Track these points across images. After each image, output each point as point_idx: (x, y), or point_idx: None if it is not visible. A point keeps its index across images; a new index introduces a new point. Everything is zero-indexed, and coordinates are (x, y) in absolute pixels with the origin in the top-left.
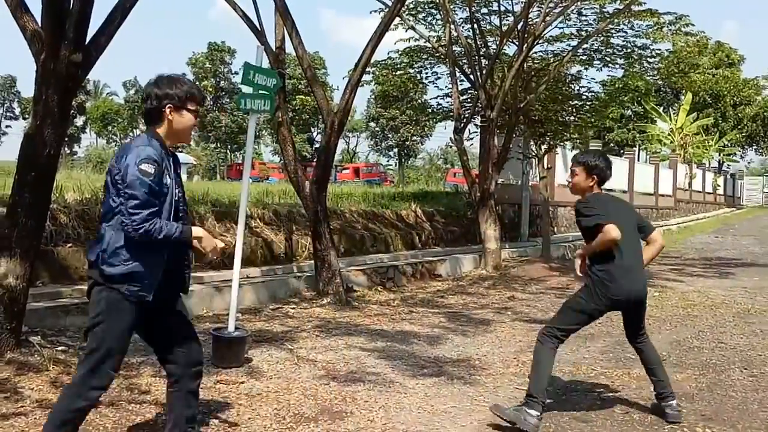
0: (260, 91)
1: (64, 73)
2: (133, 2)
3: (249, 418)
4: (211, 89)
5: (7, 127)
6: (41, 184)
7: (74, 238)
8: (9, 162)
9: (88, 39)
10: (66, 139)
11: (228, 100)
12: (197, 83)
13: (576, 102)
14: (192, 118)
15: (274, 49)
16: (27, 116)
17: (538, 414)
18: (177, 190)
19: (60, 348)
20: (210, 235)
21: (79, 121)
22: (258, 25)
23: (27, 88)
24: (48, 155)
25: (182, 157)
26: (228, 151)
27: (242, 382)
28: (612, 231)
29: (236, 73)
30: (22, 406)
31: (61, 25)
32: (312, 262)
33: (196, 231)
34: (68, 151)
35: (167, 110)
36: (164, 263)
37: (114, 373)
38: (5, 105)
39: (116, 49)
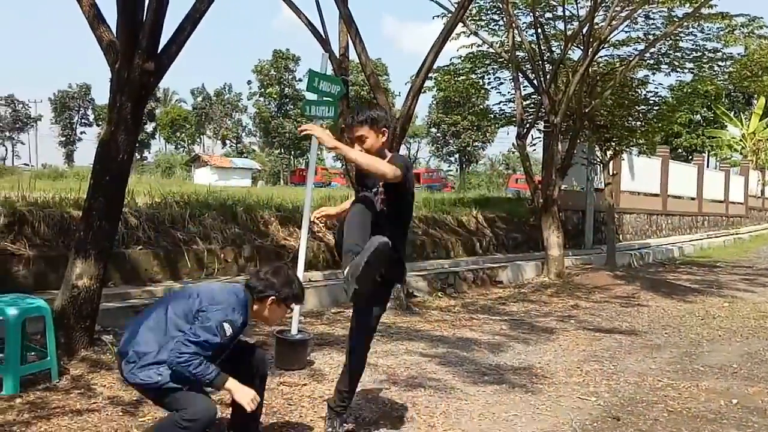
0: (324, 98)
1: (137, 82)
2: (203, 12)
3: (311, 420)
4: (275, 96)
5: (82, 133)
6: (115, 188)
7: (144, 241)
8: (84, 167)
9: (159, 48)
10: (137, 144)
11: (292, 106)
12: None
13: (643, 107)
14: (284, 310)
15: (337, 56)
16: (101, 123)
17: None
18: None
19: None
20: (243, 389)
21: (149, 127)
22: (322, 33)
23: (101, 96)
24: (121, 160)
25: (248, 162)
26: (291, 157)
27: (305, 384)
28: None
29: (300, 80)
30: (94, 403)
31: (135, 35)
32: None
33: (230, 384)
34: (138, 157)
35: (270, 300)
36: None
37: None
38: (80, 112)
39: (184, 57)
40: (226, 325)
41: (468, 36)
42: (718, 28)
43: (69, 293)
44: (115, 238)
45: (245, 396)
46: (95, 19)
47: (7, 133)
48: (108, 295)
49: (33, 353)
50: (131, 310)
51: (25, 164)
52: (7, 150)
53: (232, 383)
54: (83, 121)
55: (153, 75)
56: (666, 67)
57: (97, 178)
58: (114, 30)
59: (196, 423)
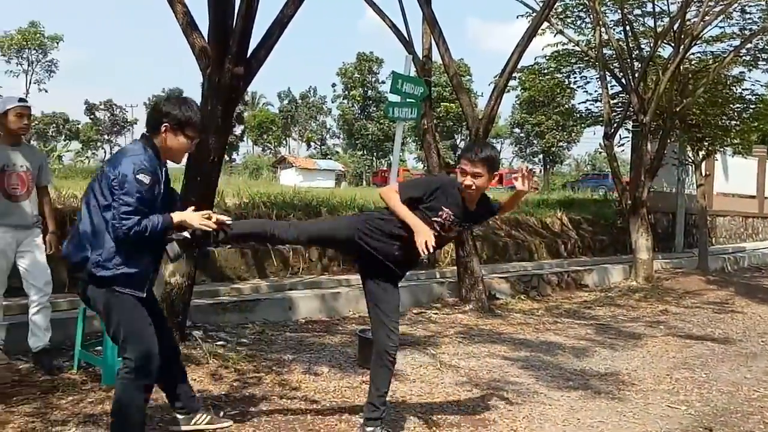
0: (407, 100)
1: (227, 86)
2: (291, 17)
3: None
4: (359, 98)
5: None
6: (205, 189)
7: None
8: (174, 168)
9: (249, 53)
10: (226, 147)
11: (375, 108)
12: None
13: (738, 105)
14: (185, 142)
15: (421, 58)
16: None
17: None
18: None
19: (219, 342)
20: (188, 213)
21: (238, 129)
22: (406, 35)
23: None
24: (212, 162)
25: (331, 164)
26: (374, 158)
27: None
28: None
29: (383, 82)
30: None
31: (226, 41)
32: (455, 268)
33: (176, 217)
34: (227, 159)
35: (163, 128)
36: (154, 263)
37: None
38: None
39: (271, 61)
40: (141, 176)
41: (555, 35)
42: None
43: (162, 290)
44: None
45: (194, 218)
46: (188, 26)
47: (106, 136)
48: (198, 292)
49: None
50: (220, 307)
51: None
52: (105, 152)
53: (177, 216)
54: None
55: (242, 79)
56: (764, 63)
57: (189, 178)
58: (205, 36)
59: (141, 368)
